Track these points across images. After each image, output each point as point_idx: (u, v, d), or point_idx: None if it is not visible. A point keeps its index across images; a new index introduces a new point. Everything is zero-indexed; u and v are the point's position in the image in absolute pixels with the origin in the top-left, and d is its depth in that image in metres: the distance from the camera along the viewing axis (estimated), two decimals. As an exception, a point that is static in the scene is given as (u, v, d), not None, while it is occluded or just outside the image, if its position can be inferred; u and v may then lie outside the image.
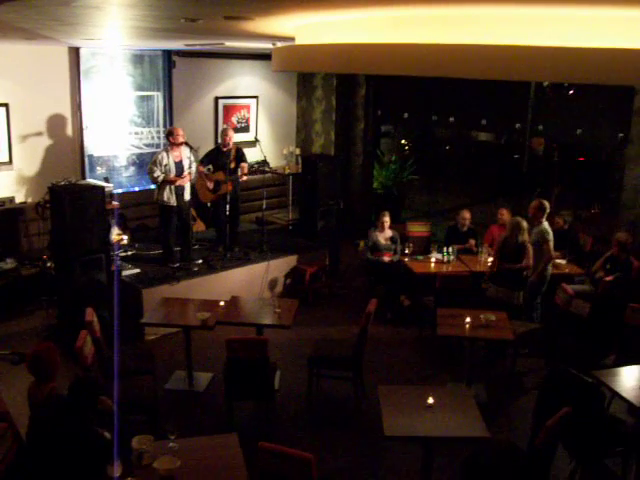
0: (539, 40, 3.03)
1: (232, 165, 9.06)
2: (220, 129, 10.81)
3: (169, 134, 8.59)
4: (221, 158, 9.06)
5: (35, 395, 4.50)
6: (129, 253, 9.04)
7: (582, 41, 2.94)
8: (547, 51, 2.97)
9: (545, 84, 8.92)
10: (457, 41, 3.25)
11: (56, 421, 4.04)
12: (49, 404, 4.25)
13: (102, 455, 3.91)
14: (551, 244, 7.59)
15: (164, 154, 8.43)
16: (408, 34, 3.54)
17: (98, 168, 9.88)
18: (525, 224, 7.41)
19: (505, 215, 8.70)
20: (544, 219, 7.71)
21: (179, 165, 8.48)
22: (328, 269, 9.87)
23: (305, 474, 3.92)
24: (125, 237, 9.12)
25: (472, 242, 9.00)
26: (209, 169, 9.07)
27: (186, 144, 8.51)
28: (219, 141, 9.37)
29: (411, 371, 7.43)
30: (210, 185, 9.04)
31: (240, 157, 9.21)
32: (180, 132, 8.49)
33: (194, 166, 8.70)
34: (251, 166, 9.69)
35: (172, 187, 8.45)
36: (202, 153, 9.34)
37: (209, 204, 9.52)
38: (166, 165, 8.38)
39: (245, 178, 9.30)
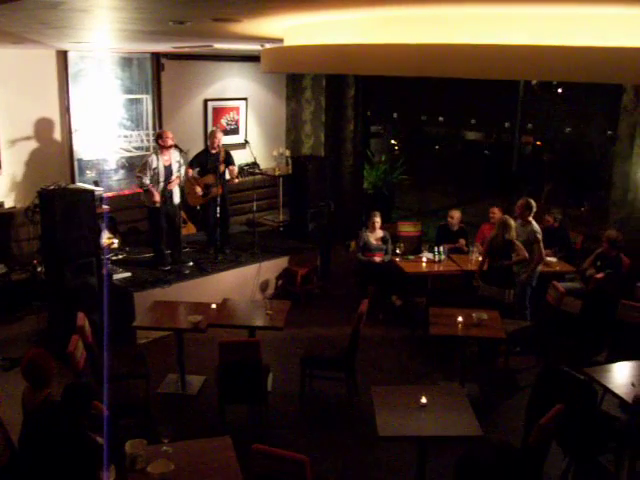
0: (528, 39, 3.04)
1: (222, 168, 9.04)
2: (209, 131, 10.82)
3: (158, 137, 8.55)
4: (210, 161, 9.03)
5: (30, 401, 4.47)
6: (120, 257, 9.01)
7: (571, 40, 2.95)
8: (536, 50, 2.98)
9: (534, 83, 8.96)
10: (447, 41, 3.25)
11: (49, 426, 4.02)
12: (44, 410, 4.23)
13: (95, 460, 3.89)
14: (542, 244, 7.60)
15: (153, 157, 8.40)
16: (397, 34, 3.54)
17: (87, 172, 9.84)
18: (512, 222, 7.43)
19: (497, 214, 8.71)
20: (531, 218, 7.70)
21: (168, 169, 8.45)
22: (319, 270, 9.87)
23: (299, 475, 3.91)
24: (116, 241, 9.09)
25: (462, 242, 9.02)
26: (198, 172, 9.03)
27: (175, 147, 8.49)
28: (208, 143, 9.34)
29: (404, 371, 7.44)
30: (199, 190, 8.98)
31: (228, 160, 9.19)
32: (169, 135, 8.46)
33: (183, 169, 8.67)
34: (241, 168, 9.67)
35: (159, 190, 8.40)
36: (192, 156, 9.31)
37: (198, 207, 9.48)
38: (155, 169, 8.35)
39: (237, 181, 9.28)
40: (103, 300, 7.28)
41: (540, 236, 7.59)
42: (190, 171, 8.91)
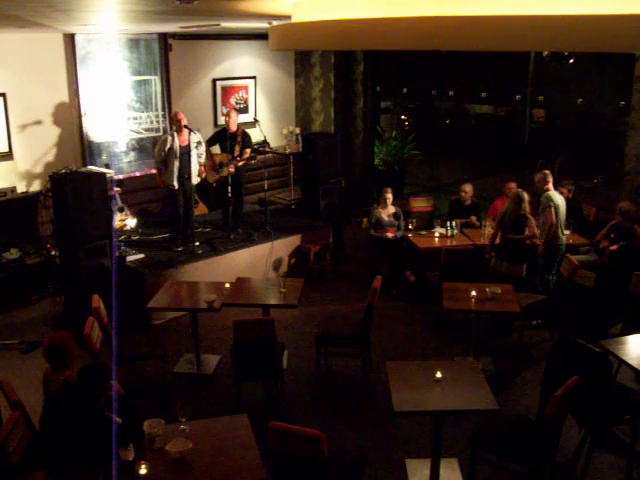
0: (538, 9, 3.00)
1: (237, 149, 9.11)
2: (219, 111, 10.84)
3: (172, 118, 8.74)
4: (227, 141, 9.12)
5: (51, 382, 4.52)
6: (133, 238, 9.06)
7: (581, 8, 2.91)
8: (546, 20, 2.94)
9: (545, 54, 8.84)
10: (458, 13, 3.21)
11: (68, 407, 4.07)
12: (64, 391, 4.28)
13: (113, 439, 3.94)
14: (553, 210, 7.48)
15: (169, 137, 8.45)
16: (407, 7, 3.50)
17: (98, 155, 9.83)
18: (526, 196, 7.38)
19: (514, 188, 8.64)
20: (550, 185, 7.67)
21: (184, 149, 8.47)
22: (332, 247, 9.88)
23: (316, 451, 3.95)
24: (130, 222, 9.14)
25: (473, 218, 8.96)
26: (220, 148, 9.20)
27: (185, 127, 8.50)
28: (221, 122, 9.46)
29: (418, 346, 7.46)
30: (203, 172, 9.07)
31: (245, 142, 9.25)
32: (180, 116, 8.49)
33: (202, 149, 8.72)
34: (253, 149, 9.69)
35: (176, 171, 8.45)
36: (202, 135, 9.31)
37: (214, 184, 9.51)
38: (170, 148, 8.38)
39: (241, 164, 9.23)
40: (117, 282, 7.33)
41: (550, 202, 7.49)
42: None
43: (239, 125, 9.30)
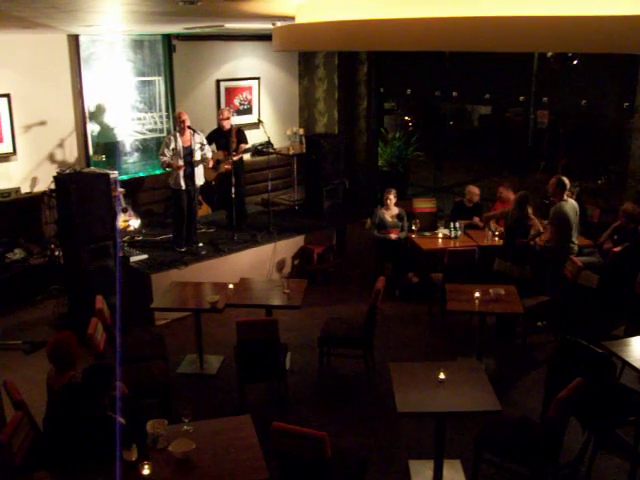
0: (542, 10, 3.00)
1: (234, 146, 9.16)
2: (219, 111, 10.88)
3: (176, 119, 8.77)
4: (222, 138, 9.19)
5: (55, 383, 4.53)
6: (136, 239, 9.06)
7: (585, 9, 2.91)
8: (550, 21, 2.94)
9: (548, 55, 8.82)
10: (461, 14, 3.21)
11: (72, 408, 4.08)
12: (67, 391, 4.28)
13: (116, 440, 3.94)
14: (556, 226, 7.44)
15: (172, 138, 8.44)
16: (411, 9, 3.50)
17: (102, 155, 9.83)
18: (529, 199, 7.36)
19: (504, 193, 8.67)
20: (565, 196, 7.53)
21: (187, 150, 8.47)
22: (336, 248, 9.87)
23: (319, 452, 3.95)
24: (132, 223, 9.15)
25: (476, 219, 8.96)
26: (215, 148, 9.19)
27: (189, 127, 8.51)
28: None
29: (421, 347, 7.45)
30: (211, 163, 9.12)
31: (240, 138, 9.35)
32: (183, 117, 8.48)
33: (207, 150, 8.71)
34: (255, 148, 9.70)
35: (181, 171, 8.45)
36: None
37: (213, 182, 9.55)
38: (174, 149, 8.38)
39: (236, 158, 9.25)
40: (120, 283, 7.34)
41: (556, 219, 7.43)
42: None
43: (231, 124, 9.39)
